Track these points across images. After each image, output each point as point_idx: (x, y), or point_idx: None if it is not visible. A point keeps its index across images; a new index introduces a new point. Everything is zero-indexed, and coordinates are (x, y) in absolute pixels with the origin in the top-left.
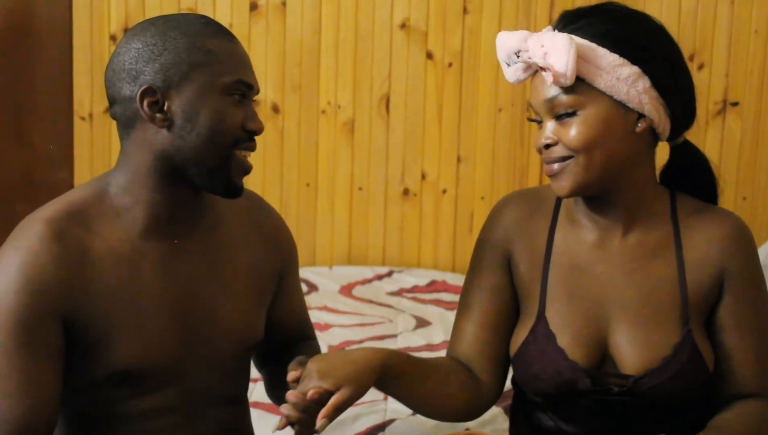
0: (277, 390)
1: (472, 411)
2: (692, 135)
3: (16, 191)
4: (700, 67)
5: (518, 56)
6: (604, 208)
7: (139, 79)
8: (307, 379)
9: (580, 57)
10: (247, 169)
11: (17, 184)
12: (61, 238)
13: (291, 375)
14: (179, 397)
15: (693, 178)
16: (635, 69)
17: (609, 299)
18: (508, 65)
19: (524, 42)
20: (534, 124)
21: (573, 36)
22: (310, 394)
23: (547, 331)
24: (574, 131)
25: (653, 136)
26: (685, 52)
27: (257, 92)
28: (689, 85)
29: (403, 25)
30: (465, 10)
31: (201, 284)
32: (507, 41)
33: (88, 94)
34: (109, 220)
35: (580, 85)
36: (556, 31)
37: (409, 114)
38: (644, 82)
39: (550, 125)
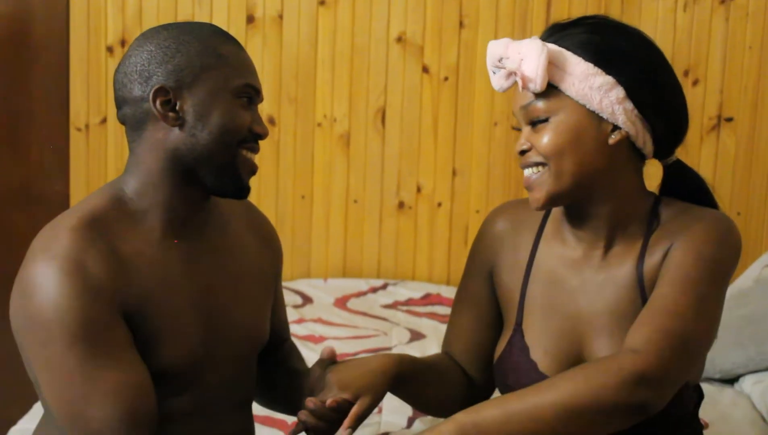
0: (264, 392)
1: (456, 402)
2: (687, 150)
3: (11, 202)
4: (695, 82)
5: (501, 63)
6: (585, 222)
7: (152, 79)
8: (327, 389)
9: (554, 64)
10: (253, 170)
11: (13, 194)
12: (93, 243)
13: (309, 401)
14: (198, 401)
15: (689, 198)
16: (608, 78)
17: (582, 313)
18: (494, 73)
19: (506, 49)
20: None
21: (549, 44)
22: (329, 402)
23: (522, 343)
24: (545, 138)
25: (634, 150)
26: (680, 68)
27: (261, 100)
28: (674, 99)
29: (399, 39)
30: (461, 25)
31: (218, 284)
32: (493, 49)
33: (84, 105)
34: (128, 225)
35: (552, 92)
36: (538, 39)
37: (404, 127)
38: (618, 93)
39: (525, 131)
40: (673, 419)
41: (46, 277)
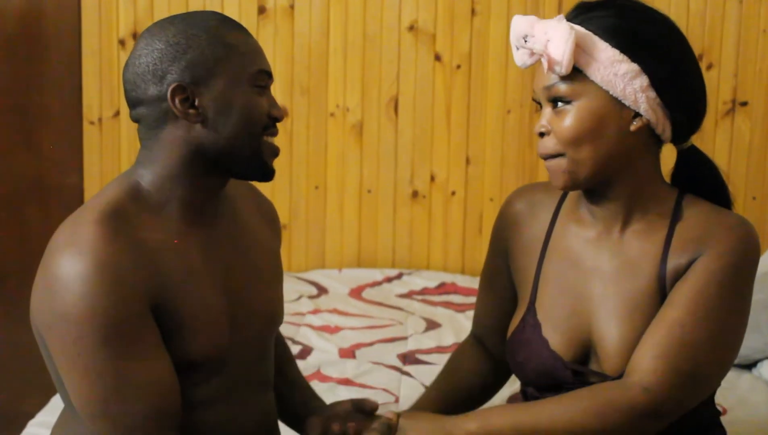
0: None
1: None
2: (701, 135)
3: (25, 196)
4: (709, 67)
5: (525, 41)
6: (603, 204)
7: (166, 78)
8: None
9: (581, 47)
10: (276, 152)
11: (27, 188)
12: (118, 236)
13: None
14: (225, 386)
15: (702, 184)
16: (634, 66)
17: (594, 295)
18: (517, 49)
19: (531, 27)
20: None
21: (577, 26)
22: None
23: (534, 320)
24: (566, 122)
25: (653, 136)
26: (694, 52)
27: (272, 81)
28: (696, 89)
29: (411, 28)
30: (473, 12)
31: (236, 268)
32: (518, 25)
33: (97, 98)
34: (148, 216)
35: (577, 76)
36: (564, 20)
37: (417, 116)
38: (642, 81)
39: (547, 112)
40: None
41: (74, 273)
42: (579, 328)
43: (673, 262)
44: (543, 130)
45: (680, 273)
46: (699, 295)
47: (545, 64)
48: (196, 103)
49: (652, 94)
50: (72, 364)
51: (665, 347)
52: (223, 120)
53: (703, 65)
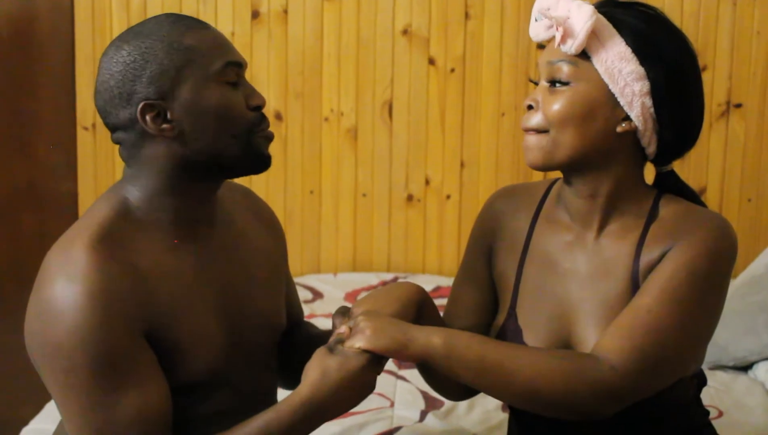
0: (290, 372)
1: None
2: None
3: (20, 202)
4: (703, 69)
5: (548, 12)
6: (579, 203)
7: (133, 98)
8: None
9: (596, 34)
10: (270, 137)
11: (21, 195)
12: (112, 259)
13: (342, 328)
14: (230, 399)
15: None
16: (641, 69)
17: (572, 298)
18: (536, 20)
19: (557, 2)
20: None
21: (600, 14)
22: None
23: (515, 326)
24: (558, 101)
25: (637, 147)
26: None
27: (246, 66)
28: (692, 117)
29: (405, 32)
30: (467, 16)
31: (234, 280)
32: None
33: (91, 104)
34: (139, 234)
35: (583, 61)
36: (591, 5)
37: (411, 120)
38: (643, 86)
39: (541, 87)
40: (670, 407)
41: (67, 302)
42: (558, 332)
43: (646, 257)
44: (532, 103)
45: (653, 266)
46: (668, 283)
47: (558, 38)
48: (169, 116)
49: (649, 102)
50: (64, 395)
51: (632, 330)
52: (200, 127)
53: None
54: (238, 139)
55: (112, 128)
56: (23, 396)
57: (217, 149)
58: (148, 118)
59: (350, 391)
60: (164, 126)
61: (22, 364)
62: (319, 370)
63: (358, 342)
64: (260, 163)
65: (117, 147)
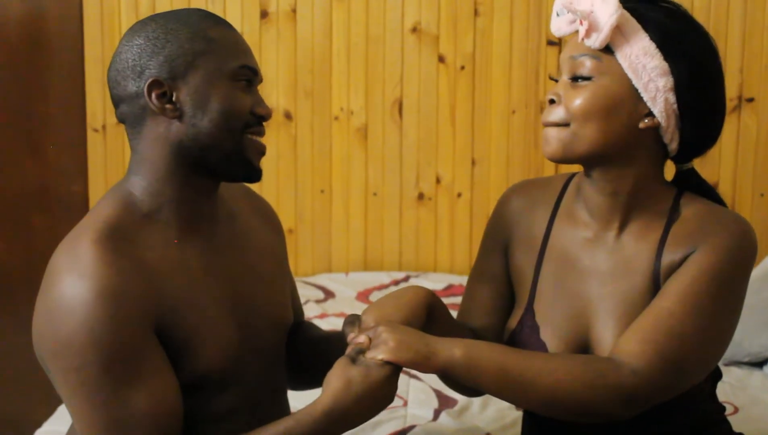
0: (295, 372)
1: None
2: None
3: (31, 204)
4: None
5: (572, 5)
6: (600, 202)
7: (145, 73)
8: (366, 330)
9: (620, 28)
10: (262, 151)
11: (32, 196)
12: (119, 256)
13: (350, 337)
14: (240, 396)
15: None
16: (665, 64)
17: (591, 296)
18: (558, 15)
19: None
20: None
21: (623, 9)
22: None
23: (532, 322)
24: (581, 98)
25: (660, 143)
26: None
27: (261, 80)
28: (715, 114)
29: (414, 29)
30: (476, 13)
31: (240, 276)
32: None
33: (100, 105)
34: (144, 228)
35: (606, 55)
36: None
37: (422, 118)
38: (667, 81)
39: (564, 81)
40: (684, 402)
41: (75, 299)
42: (577, 329)
43: (668, 258)
44: (554, 97)
45: (674, 268)
46: (690, 287)
47: (582, 32)
48: (174, 98)
49: (672, 98)
50: (74, 392)
51: (654, 334)
52: (201, 114)
53: None
54: (233, 136)
55: (118, 101)
56: (37, 398)
57: (212, 140)
58: (153, 94)
59: (372, 401)
60: (167, 106)
61: (36, 367)
62: (342, 380)
63: (381, 353)
64: (248, 171)
65: (127, 148)
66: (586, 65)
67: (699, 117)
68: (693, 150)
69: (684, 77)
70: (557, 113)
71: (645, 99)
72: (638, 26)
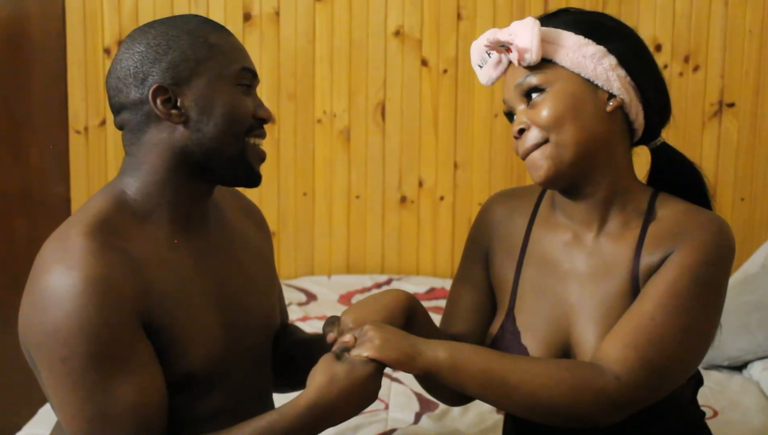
0: (280, 375)
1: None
2: (689, 137)
3: (12, 206)
4: (696, 68)
5: (489, 55)
6: (578, 204)
7: (148, 80)
8: (345, 332)
9: (546, 41)
10: (262, 157)
11: (14, 199)
12: (108, 248)
13: (330, 336)
14: (225, 398)
15: (679, 182)
16: (600, 48)
17: (571, 299)
18: (481, 67)
19: (493, 35)
20: None
21: (539, 23)
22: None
23: (513, 328)
24: (545, 110)
25: (627, 123)
26: (680, 54)
27: (258, 82)
28: (659, 72)
29: (397, 33)
30: (459, 17)
31: (229, 276)
32: (477, 42)
33: (83, 107)
34: (135, 226)
35: (547, 65)
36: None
37: (404, 121)
38: (610, 60)
39: (522, 110)
40: (667, 408)
41: (63, 289)
42: (557, 333)
43: (646, 260)
44: (522, 126)
45: (653, 270)
46: (671, 289)
47: (515, 58)
48: (179, 103)
49: (622, 72)
50: (60, 383)
51: (636, 338)
52: (206, 120)
53: (689, 67)
54: (236, 140)
55: (118, 108)
56: (16, 401)
57: (217, 144)
58: (158, 100)
59: (355, 397)
60: (172, 111)
61: (17, 370)
62: (327, 376)
63: (366, 351)
64: (250, 176)
65: (109, 151)
66: (534, 81)
67: (653, 79)
68: (659, 118)
69: (622, 51)
70: (532, 136)
71: (600, 84)
72: (560, 30)
